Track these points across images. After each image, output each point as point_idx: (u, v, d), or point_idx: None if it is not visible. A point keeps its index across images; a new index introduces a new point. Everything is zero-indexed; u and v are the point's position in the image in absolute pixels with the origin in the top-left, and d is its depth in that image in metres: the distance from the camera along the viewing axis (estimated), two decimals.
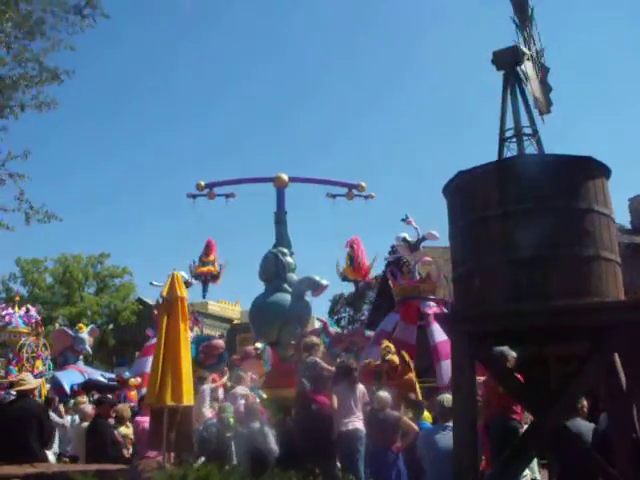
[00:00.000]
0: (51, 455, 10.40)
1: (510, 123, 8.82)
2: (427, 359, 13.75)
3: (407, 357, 11.31)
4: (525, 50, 8.76)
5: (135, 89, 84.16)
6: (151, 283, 18.14)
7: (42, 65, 9.79)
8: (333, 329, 14.16)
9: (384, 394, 9.02)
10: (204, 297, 18.78)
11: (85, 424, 10.36)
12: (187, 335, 8.48)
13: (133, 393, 14.36)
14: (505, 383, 5.82)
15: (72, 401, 12.93)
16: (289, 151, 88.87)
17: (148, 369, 16.62)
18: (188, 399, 8.35)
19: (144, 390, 14.35)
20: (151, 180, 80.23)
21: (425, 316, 14.41)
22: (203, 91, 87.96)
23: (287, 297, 16.08)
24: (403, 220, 15.41)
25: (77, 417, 11.38)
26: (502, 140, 8.90)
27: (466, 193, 5.41)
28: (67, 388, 15.37)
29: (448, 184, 5.53)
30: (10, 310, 18.43)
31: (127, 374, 16.72)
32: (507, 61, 8.44)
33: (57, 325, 24.82)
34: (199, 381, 10.16)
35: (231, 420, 9.30)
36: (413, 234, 15.65)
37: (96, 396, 13.45)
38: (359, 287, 17.58)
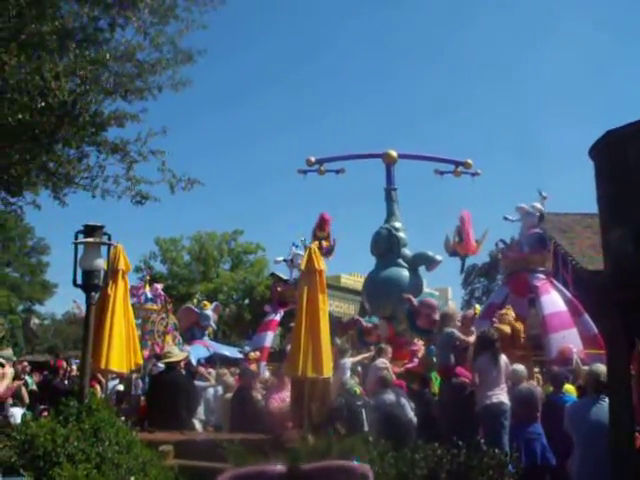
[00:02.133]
0: (197, 422, 10.87)
1: None
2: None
3: (522, 331, 11.13)
4: None
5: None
6: (276, 261, 18.92)
7: (176, 47, 10.09)
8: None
9: (520, 367, 8.79)
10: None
11: (228, 395, 10.72)
12: (326, 307, 8.54)
13: (253, 366, 14.76)
14: None
15: (213, 372, 13.40)
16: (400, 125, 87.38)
17: (267, 343, 17.30)
18: (328, 371, 8.45)
19: (263, 364, 14.81)
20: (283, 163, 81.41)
21: (534, 288, 13.99)
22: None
23: (402, 272, 16.37)
24: (539, 193, 14.93)
25: (220, 388, 11.77)
26: None
27: (617, 153, 5.06)
28: (194, 362, 16.00)
29: (596, 144, 5.18)
30: (161, 291, 19.26)
31: (247, 348, 17.25)
32: None
33: (195, 301, 25.75)
34: (339, 353, 10.26)
35: (357, 390, 9.36)
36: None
37: (232, 369, 13.88)
38: (463, 263, 17.23)
